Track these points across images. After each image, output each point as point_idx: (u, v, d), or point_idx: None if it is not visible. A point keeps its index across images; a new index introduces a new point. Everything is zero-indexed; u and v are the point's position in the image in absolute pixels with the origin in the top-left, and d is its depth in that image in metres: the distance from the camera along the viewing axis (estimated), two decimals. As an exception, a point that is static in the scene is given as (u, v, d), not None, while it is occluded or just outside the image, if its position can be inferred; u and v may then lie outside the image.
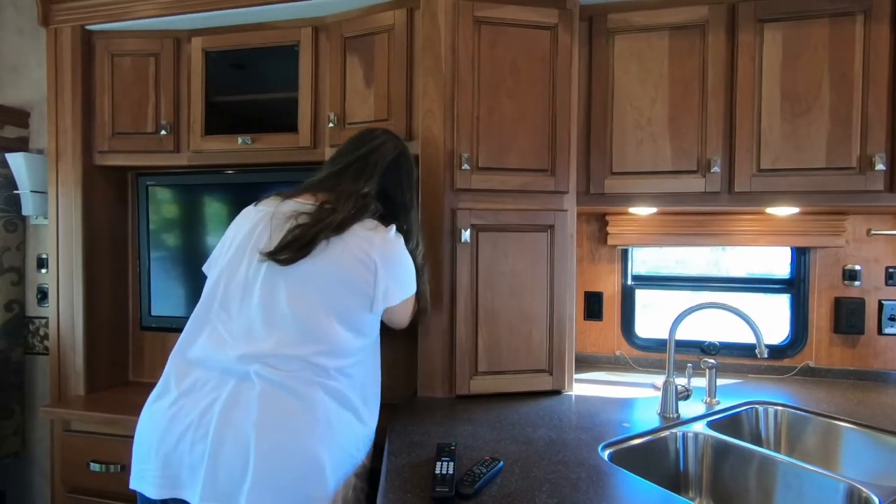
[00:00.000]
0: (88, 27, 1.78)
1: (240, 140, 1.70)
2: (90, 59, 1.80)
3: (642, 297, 1.92)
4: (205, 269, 1.23)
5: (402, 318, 1.24)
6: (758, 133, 1.47)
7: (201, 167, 1.81)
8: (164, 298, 1.87)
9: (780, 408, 1.44)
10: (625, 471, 1.01)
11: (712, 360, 1.46)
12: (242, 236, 1.09)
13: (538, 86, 1.50)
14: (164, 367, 1.07)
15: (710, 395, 1.46)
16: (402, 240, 1.14)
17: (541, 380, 1.52)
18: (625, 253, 1.89)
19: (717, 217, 1.74)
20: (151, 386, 1.07)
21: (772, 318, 1.82)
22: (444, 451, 1.02)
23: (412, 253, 1.18)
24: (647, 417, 1.34)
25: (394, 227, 1.13)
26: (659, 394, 1.53)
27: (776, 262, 1.83)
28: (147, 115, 1.78)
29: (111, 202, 1.92)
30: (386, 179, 1.18)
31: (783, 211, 1.61)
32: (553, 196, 1.52)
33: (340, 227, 1.04)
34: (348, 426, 1.05)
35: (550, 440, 1.17)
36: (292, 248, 1.01)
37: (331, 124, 1.61)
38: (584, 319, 1.92)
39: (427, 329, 1.49)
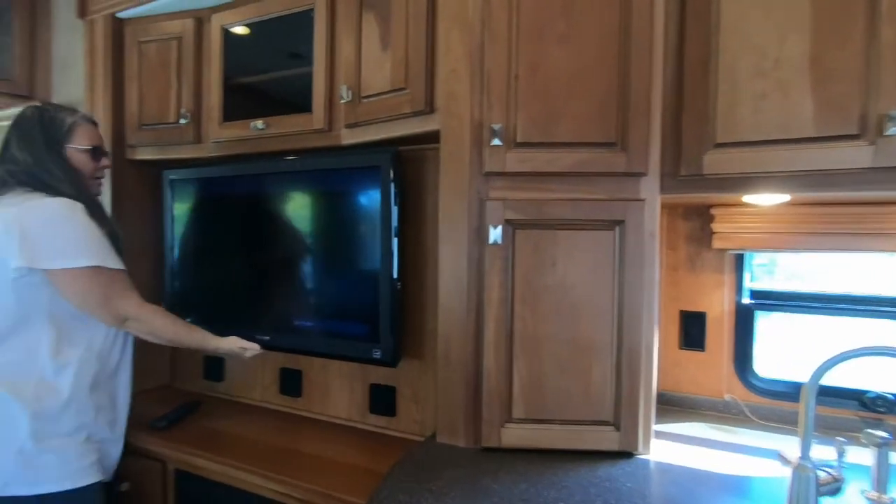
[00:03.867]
0: (119, 15, 1.70)
1: (252, 125, 1.49)
2: (121, 48, 1.72)
3: (775, 320, 1.38)
4: None
5: (85, 298, 1.18)
6: (975, 68, 0.90)
7: (225, 158, 1.64)
8: (193, 304, 1.73)
9: None
10: None
11: (883, 434, 0.92)
12: None
13: (603, 27, 1.07)
14: None
15: (877, 487, 0.93)
16: (64, 208, 1.14)
17: (603, 436, 1.09)
18: (739, 260, 1.37)
19: (890, 207, 1.16)
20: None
21: None
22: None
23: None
24: (764, 517, 0.86)
25: (60, 197, 1.15)
26: (789, 472, 1.02)
27: None
28: (170, 105, 1.65)
29: (144, 200, 1.82)
30: (13, 145, 1.21)
31: None
32: (624, 179, 1.09)
33: None
34: None
35: (593, 550, 0.76)
36: None
37: (343, 99, 1.33)
38: (681, 348, 1.43)
39: (447, 356, 1.14)
